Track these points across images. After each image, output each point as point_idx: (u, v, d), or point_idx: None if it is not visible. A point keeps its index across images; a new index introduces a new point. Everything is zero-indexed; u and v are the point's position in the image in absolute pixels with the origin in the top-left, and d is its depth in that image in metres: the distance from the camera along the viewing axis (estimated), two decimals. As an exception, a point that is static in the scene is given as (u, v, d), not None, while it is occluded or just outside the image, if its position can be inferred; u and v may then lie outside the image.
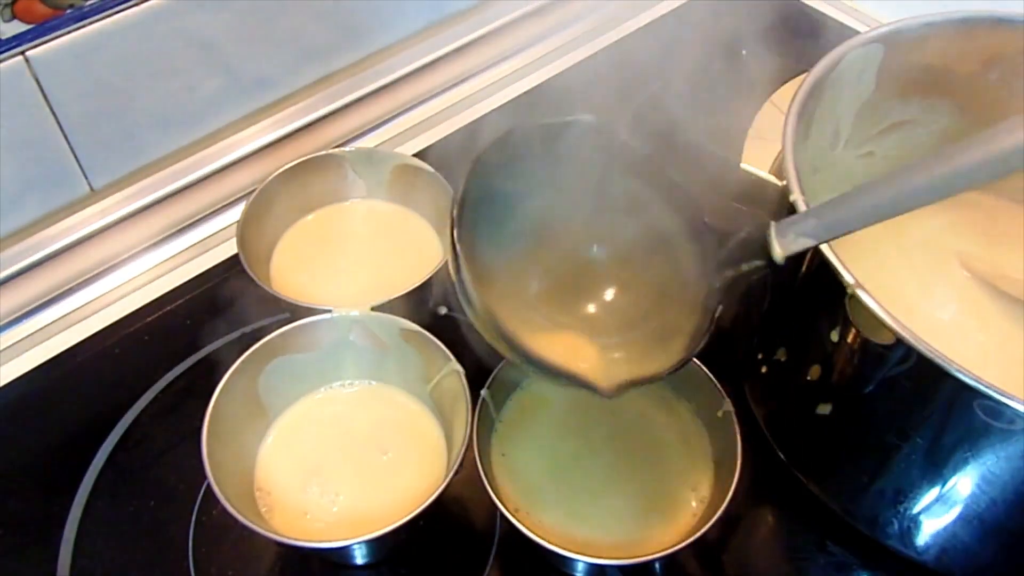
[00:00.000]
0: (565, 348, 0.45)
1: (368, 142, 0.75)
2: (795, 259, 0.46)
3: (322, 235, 0.61)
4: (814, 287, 0.45)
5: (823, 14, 0.86)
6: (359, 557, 0.51)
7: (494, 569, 0.51)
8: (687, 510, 0.47)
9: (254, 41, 0.66)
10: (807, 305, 0.47)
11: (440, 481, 0.45)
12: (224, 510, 0.43)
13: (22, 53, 0.56)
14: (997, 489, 0.42)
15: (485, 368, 0.49)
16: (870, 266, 0.40)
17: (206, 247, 0.67)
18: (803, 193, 0.43)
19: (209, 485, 0.45)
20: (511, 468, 0.49)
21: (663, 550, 0.43)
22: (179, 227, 0.68)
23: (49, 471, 0.55)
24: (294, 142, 0.72)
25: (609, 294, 0.48)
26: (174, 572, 0.51)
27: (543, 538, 0.44)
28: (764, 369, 0.53)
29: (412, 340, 0.52)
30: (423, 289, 0.53)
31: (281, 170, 0.60)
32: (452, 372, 0.50)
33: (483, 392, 0.48)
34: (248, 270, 0.54)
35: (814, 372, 0.47)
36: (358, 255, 0.60)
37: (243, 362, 0.50)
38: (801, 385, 0.49)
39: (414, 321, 0.51)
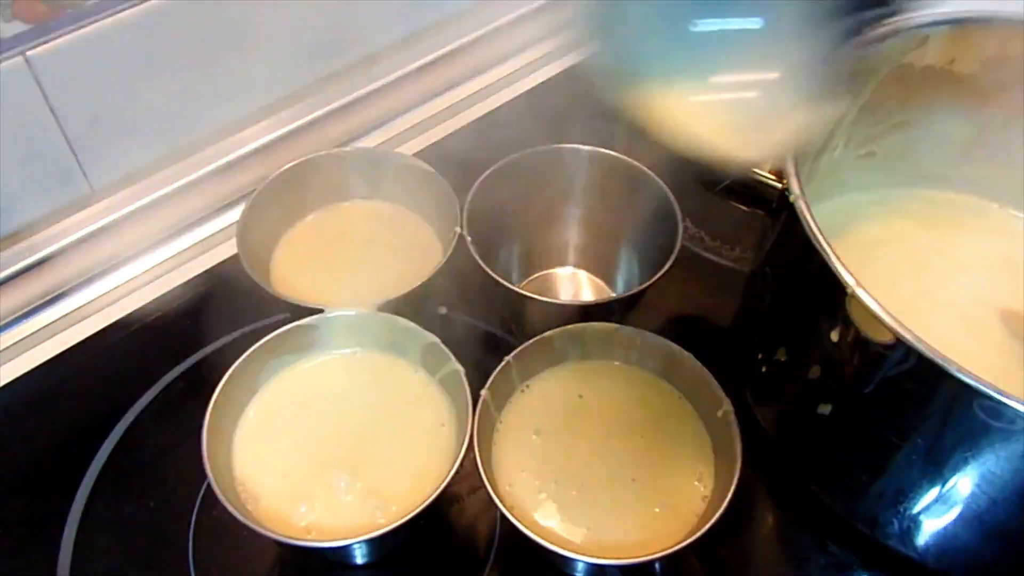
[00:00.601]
0: None
1: (368, 142, 0.75)
2: (795, 259, 0.46)
3: (322, 235, 0.61)
4: (814, 287, 0.45)
5: (823, 14, 0.86)
6: (359, 557, 0.51)
7: (494, 569, 0.51)
8: (687, 510, 0.47)
9: (254, 41, 0.66)
10: (807, 305, 0.47)
11: (440, 481, 0.45)
12: (224, 510, 0.43)
13: (22, 53, 0.56)
14: (997, 489, 0.42)
15: (485, 368, 0.49)
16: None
17: (206, 247, 0.67)
18: (803, 193, 0.44)
19: (209, 485, 0.45)
20: (511, 468, 0.49)
21: (663, 550, 0.43)
22: (179, 227, 0.68)
23: (49, 471, 0.55)
24: (294, 142, 0.72)
25: None
26: (174, 572, 0.51)
27: (543, 538, 0.44)
28: (764, 369, 0.53)
29: (412, 340, 0.52)
30: (423, 289, 0.53)
31: (281, 170, 0.60)
32: (452, 372, 0.50)
33: (483, 392, 0.48)
34: (248, 270, 0.54)
35: (814, 372, 0.47)
36: (358, 255, 0.60)
37: (243, 362, 0.50)
38: (801, 385, 0.49)
39: (414, 321, 0.51)
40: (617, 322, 0.55)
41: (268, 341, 0.51)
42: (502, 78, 0.80)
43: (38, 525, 0.53)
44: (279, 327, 0.51)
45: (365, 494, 0.48)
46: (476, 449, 0.46)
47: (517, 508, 0.47)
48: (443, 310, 0.61)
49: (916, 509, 0.46)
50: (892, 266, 0.55)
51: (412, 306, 0.53)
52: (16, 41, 0.55)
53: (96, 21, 0.57)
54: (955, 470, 0.43)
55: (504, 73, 0.80)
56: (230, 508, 0.43)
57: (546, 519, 0.47)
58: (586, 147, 0.61)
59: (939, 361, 0.37)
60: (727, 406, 0.48)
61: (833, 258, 0.41)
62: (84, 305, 0.64)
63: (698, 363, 0.50)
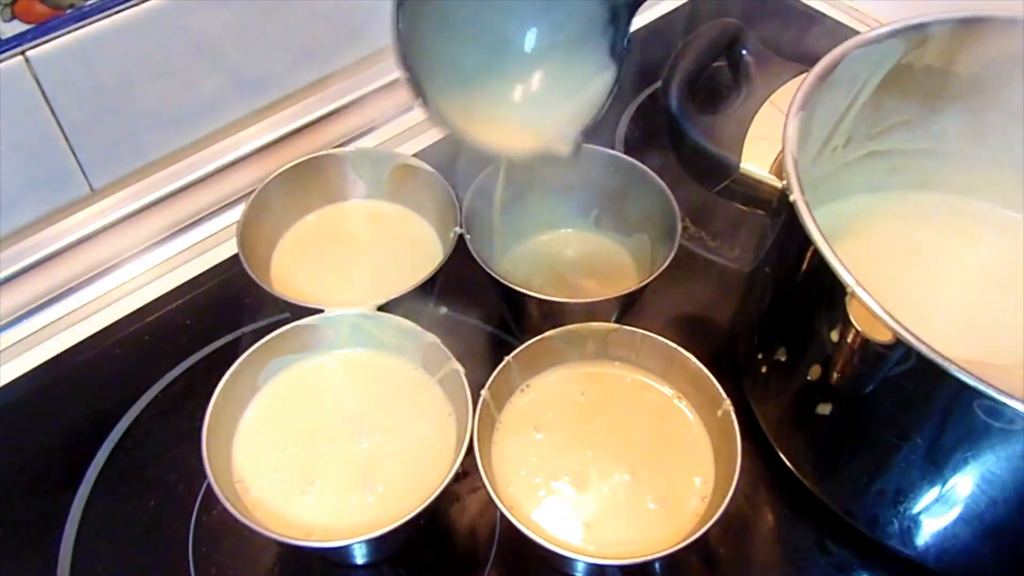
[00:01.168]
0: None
1: (368, 142, 0.75)
2: (795, 259, 0.46)
3: (323, 236, 0.61)
4: (814, 287, 0.45)
5: (823, 14, 0.86)
6: (359, 557, 0.51)
7: (494, 569, 0.51)
8: (687, 510, 0.47)
9: (254, 41, 0.66)
10: (807, 305, 0.47)
11: (440, 481, 0.45)
12: (224, 510, 0.43)
13: (22, 53, 0.56)
14: (997, 489, 0.42)
15: (485, 368, 0.49)
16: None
17: (206, 247, 0.67)
18: (803, 193, 0.44)
19: (209, 485, 0.45)
20: (511, 468, 0.49)
21: (663, 550, 0.43)
22: (179, 227, 0.68)
23: (49, 471, 0.55)
24: (294, 142, 0.72)
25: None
26: (174, 572, 0.51)
27: (543, 538, 0.44)
28: (764, 369, 0.53)
29: (412, 340, 0.52)
30: (423, 289, 0.53)
31: (281, 170, 0.60)
32: (452, 372, 0.50)
33: (483, 392, 0.48)
34: (248, 270, 0.54)
35: (814, 372, 0.47)
36: (358, 255, 0.60)
37: (243, 362, 0.50)
38: (801, 385, 0.49)
39: (414, 321, 0.51)
40: (617, 322, 0.55)
41: (268, 341, 0.51)
42: (502, 78, 0.80)
43: (38, 525, 0.53)
44: (279, 327, 0.51)
45: (365, 494, 0.48)
46: (476, 449, 0.46)
47: (517, 508, 0.47)
48: (443, 310, 0.61)
49: (916, 509, 0.46)
50: (892, 268, 0.55)
51: (412, 306, 0.53)
52: (16, 41, 0.55)
53: (96, 21, 0.58)
54: (955, 470, 0.43)
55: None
56: (230, 508, 0.43)
57: (546, 519, 0.47)
58: (586, 146, 0.61)
59: (939, 361, 0.37)
60: (727, 406, 0.48)
61: (833, 258, 0.41)
62: (84, 305, 0.64)
63: (698, 363, 0.50)
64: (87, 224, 0.64)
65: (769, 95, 0.53)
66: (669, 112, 0.52)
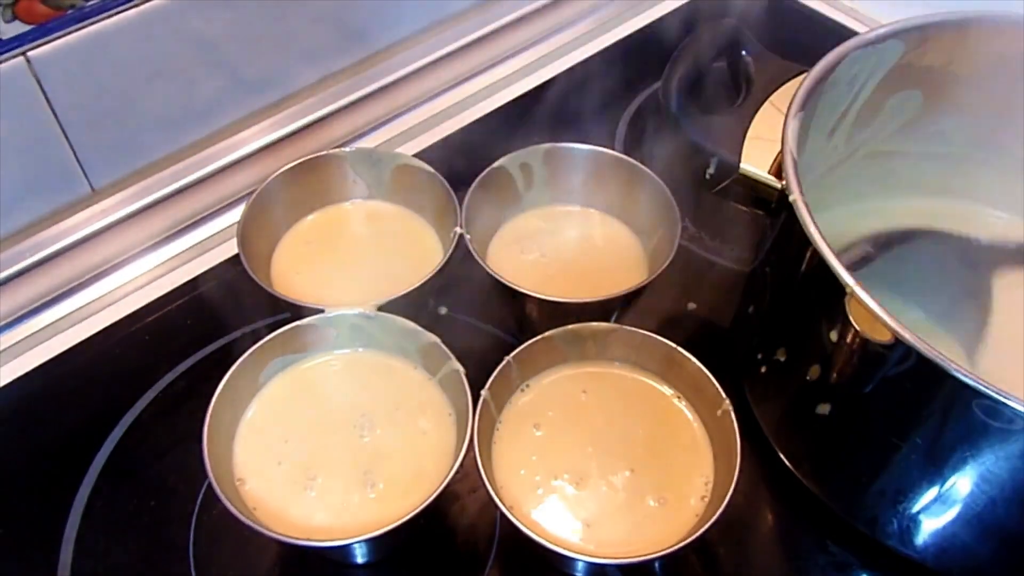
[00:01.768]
0: None
1: (368, 142, 0.75)
2: (795, 259, 0.46)
3: (323, 236, 0.61)
4: (814, 287, 0.45)
5: (823, 14, 0.86)
6: (359, 556, 0.51)
7: (494, 569, 0.51)
8: (687, 509, 0.47)
9: (255, 41, 0.66)
10: (807, 305, 0.47)
11: (440, 481, 0.45)
12: (224, 510, 0.44)
13: (23, 53, 0.56)
14: (996, 488, 0.42)
15: (485, 368, 0.49)
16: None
17: (206, 247, 0.67)
18: (803, 193, 0.44)
19: (209, 485, 0.45)
20: (511, 468, 0.49)
21: (663, 549, 0.43)
22: (180, 227, 0.68)
23: (49, 471, 0.55)
24: (294, 142, 0.72)
25: None
26: (174, 572, 0.51)
27: (543, 537, 0.44)
28: (764, 369, 0.53)
29: (412, 340, 0.52)
30: (423, 289, 0.53)
31: (281, 170, 0.60)
32: (452, 372, 0.50)
33: (483, 392, 0.48)
34: (248, 270, 0.54)
35: (814, 372, 0.47)
36: (358, 255, 0.60)
37: (243, 362, 0.50)
38: (801, 385, 0.49)
39: (414, 321, 0.51)
40: (617, 321, 0.55)
41: (268, 341, 0.51)
42: (502, 78, 0.80)
43: (38, 525, 0.53)
44: (279, 327, 0.51)
45: (365, 494, 0.48)
46: (476, 449, 0.46)
47: (517, 507, 0.47)
48: (443, 310, 0.61)
49: (915, 509, 0.46)
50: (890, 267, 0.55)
51: (412, 306, 0.53)
52: (17, 41, 0.55)
53: (97, 21, 0.58)
54: (954, 470, 0.43)
55: (503, 73, 0.80)
56: (230, 508, 0.43)
57: (546, 518, 0.47)
58: (586, 146, 0.61)
59: (939, 361, 0.37)
60: (726, 405, 0.48)
61: (832, 258, 0.41)
62: (85, 305, 0.64)
63: (697, 363, 0.50)
64: (88, 224, 0.64)
65: (769, 95, 0.53)
66: (669, 112, 0.52)
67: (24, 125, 0.58)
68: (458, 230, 0.56)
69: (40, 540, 0.52)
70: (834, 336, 0.44)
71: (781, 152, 0.46)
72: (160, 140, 0.66)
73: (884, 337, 0.40)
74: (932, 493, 0.45)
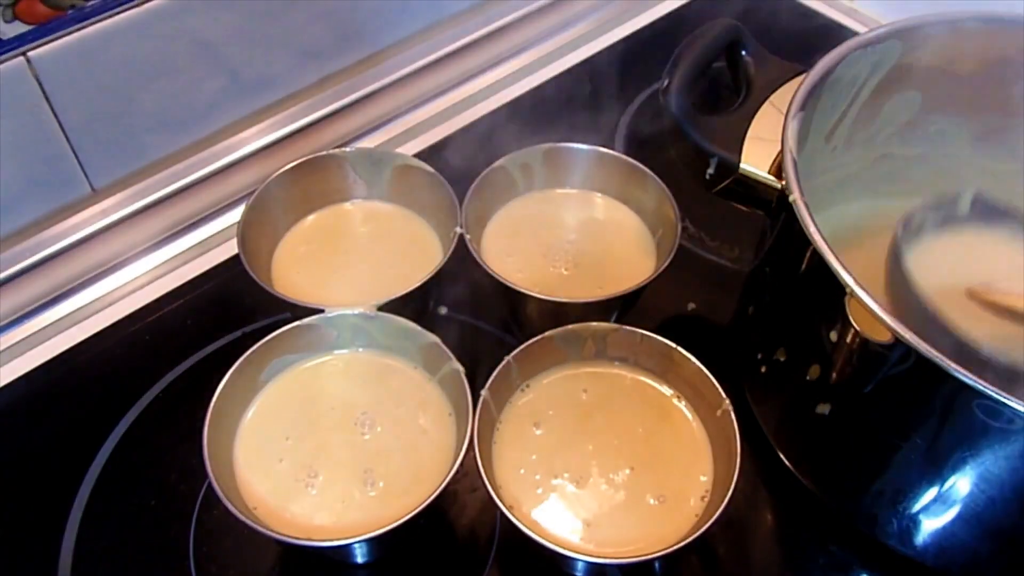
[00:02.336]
0: None
1: (368, 142, 0.75)
2: (795, 259, 0.46)
3: (323, 236, 0.61)
4: (813, 287, 0.45)
5: (823, 14, 0.86)
6: (359, 556, 0.51)
7: (494, 569, 0.51)
8: (687, 509, 0.48)
9: (255, 42, 0.66)
10: (806, 305, 0.47)
11: (440, 481, 0.45)
12: (225, 510, 0.44)
13: (23, 54, 0.56)
14: (996, 488, 0.42)
15: (485, 368, 0.49)
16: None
17: (206, 247, 0.67)
18: (803, 194, 0.44)
19: (210, 485, 0.45)
20: (511, 467, 0.49)
21: (662, 549, 0.43)
22: (180, 227, 0.68)
23: (49, 471, 0.55)
24: (295, 142, 0.72)
25: None
26: (174, 572, 0.51)
27: (543, 537, 0.44)
28: (764, 369, 0.53)
29: (412, 340, 0.52)
30: (423, 289, 0.53)
31: (282, 171, 0.60)
32: (452, 372, 0.50)
33: (483, 392, 0.48)
34: (248, 270, 0.54)
35: (813, 372, 0.47)
36: (358, 255, 0.60)
37: (243, 362, 0.50)
38: (800, 385, 0.49)
39: (414, 321, 0.51)
40: (617, 321, 0.55)
41: (268, 341, 0.51)
42: (502, 78, 0.80)
43: (39, 525, 0.53)
44: (279, 327, 0.51)
45: (365, 494, 0.48)
46: (476, 448, 0.46)
47: (517, 507, 0.48)
48: (443, 310, 0.62)
49: (915, 508, 0.47)
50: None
51: (412, 306, 0.53)
52: (18, 41, 0.55)
53: (98, 22, 0.58)
54: (954, 470, 0.43)
55: (503, 73, 0.80)
56: (231, 508, 0.44)
57: (546, 518, 0.47)
58: (586, 146, 0.61)
59: (938, 361, 0.37)
60: (726, 405, 0.48)
61: (832, 258, 0.41)
62: (85, 305, 0.64)
63: (697, 363, 0.50)
64: (88, 224, 0.64)
65: (769, 95, 0.53)
66: (669, 112, 0.52)
67: (24, 125, 0.58)
68: (458, 230, 0.56)
69: (40, 540, 0.52)
70: (834, 336, 0.44)
71: (781, 152, 0.46)
72: (160, 140, 0.66)
73: (884, 337, 0.40)
74: (932, 493, 0.45)
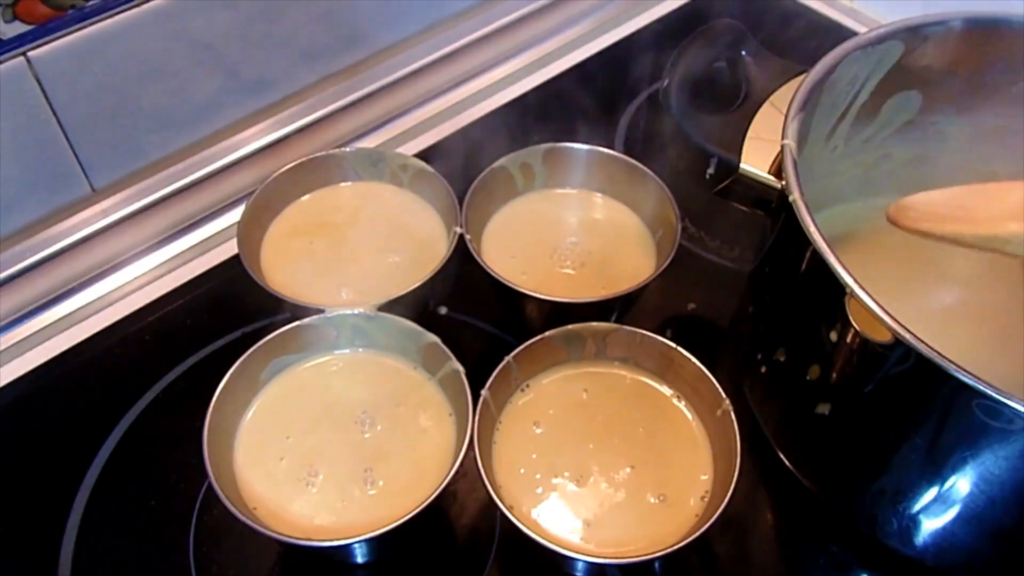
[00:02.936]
0: None
1: (368, 142, 0.75)
2: (795, 259, 0.46)
3: (318, 230, 0.61)
4: (813, 287, 0.45)
5: (823, 15, 0.86)
6: (359, 556, 0.51)
7: (494, 569, 0.51)
8: (687, 509, 0.48)
9: (255, 42, 0.66)
10: (806, 305, 0.47)
11: (440, 481, 0.45)
12: (225, 510, 0.44)
13: (23, 54, 0.56)
14: (996, 488, 0.42)
15: (485, 368, 0.49)
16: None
17: (206, 247, 0.67)
18: (802, 194, 0.44)
19: (210, 485, 0.45)
20: (511, 468, 0.49)
21: (662, 549, 0.43)
22: (180, 227, 0.68)
23: (49, 471, 0.55)
24: (295, 143, 0.72)
25: None
26: (174, 572, 0.51)
27: (543, 537, 0.44)
28: (763, 369, 0.53)
29: (412, 340, 0.52)
30: (423, 289, 0.53)
31: (282, 171, 0.60)
32: (452, 372, 0.50)
33: (483, 392, 0.48)
34: (248, 270, 0.54)
35: (813, 372, 0.47)
36: (358, 255, 0.60)
37: (243, 362, 0.50)
38: (800, 385, 0.49)
39: (414, 321, 0.51)
40: (617, 321, 0.55)
41: (268, 341, 0.51)
42: (502, 78, 0.80)
43: (39, 525, 0.53)
44: (279, 327, 0.51)
45: (365, 494, 0.48)
46: (476, 448, 0.46)
47: (517, 507, 0.48)
48: (443, 310, 0.62)
49: (915, 509, 0.47)
50: (891, 271, 0.55)
51: (412, 306, 0.53)
52: (18, 42, 0.55)
53: (98, 22, 0.58)
54: (954, 470, 0.43)
55: (503, 73, 0.80)
56: (231, 508, 0.44)
57: (546, 518, 0.47)
58: (586, 146, 0.61)
59: (938, 361, 0.37)
60: (726, 405, 0.48)
61: (832, 258, 0.41)
62: (85, 305, 0.64)
63: (697, 363, 0.50)
64: (88, 224, 0.64)
65: (769, 95, 0.53)
66: (669, 112, 0.52)
67: (24, 125, 0.58)
68: (458, 230, 0.56)
69: (40, 540, 0.52)
70: (834, 336, 0.44)
71: (781, 152, 0.46)
72: (160, 140, 0.66)
73: (884, 337, 0.40)
74: (932, 493, 0.45)
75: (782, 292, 0.51)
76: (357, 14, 0.71)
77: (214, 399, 0.48)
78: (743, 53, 0.56)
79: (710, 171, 0.51)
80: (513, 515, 0.45)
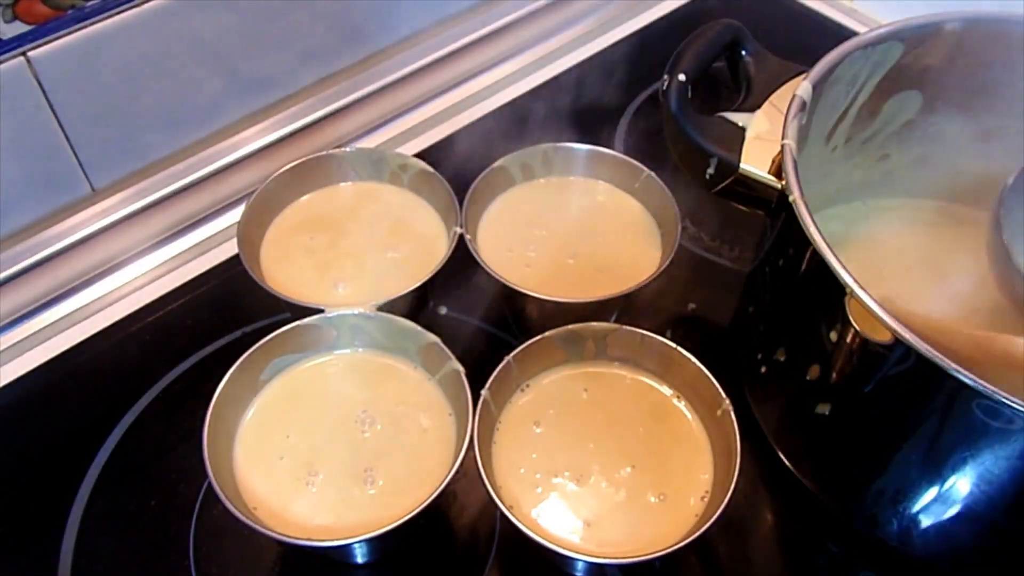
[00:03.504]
0: None
1: (368, 142, 0.75)
2: (794, 259, 0.46)
3: (322, 235, 0.61)
4: (813, 287, 0.45)
5: (823, 15, 0.86)
6: (359, 556, 0.51)
7: (494, 569, 0.51)
8: (687, 509, 0.48)
9: (255, 42, 0.66)
10: (806, 305, 0.47)
11: (440, 481, 0.45)
12: (225, 510, 0.44)
13: (23, 54, 0.56)
14: (996, 488, 0.42)
15: (485, 368, 0.49)
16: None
17: (206, 247, 0.67)
18: (802, 194, 0.44)
19: (210, 485, 0.45)
20: (511, 468, 0.49)
21: (663, 549, 0.43)
22: (180, 227, 0.68)
23: (49, 471, 0.55)
24: (295, 142, 0.72)
25: None
26: (174, 572, 0.51)
27: (543, 537, 0.44)
28: (764, 369, 0.53)
29: (412, 340, 0.52)
30: (423, 289, 0.54)
31: (282, 170, 0.60)
32: (452, 372, 0.50)
33: (483, 392, 0.48)
34: (248, 270, 0.54)
35: (813, 372, 0.47)
36: (359, 255, 0.60)
37: (243, 362, 0.50)
38: (800, 385, 0.49)
39: (414, 321, 0.51)
40: (617, 321, 0.55)
41: (268, 341, 0.51)
42: (502, 78, 0.80)
43: (39, 525, 0.53)
44: (279, 327, 0.51)
45: (365, 494, 0.48)
46: (476, 448, 0.46)
47: (517, 507, 0.48)
48: (443, 310, 0.62)
49: (915, 508, 0.47)
50: (891, 272, 0.55)
51: (412, 306, 0.53)
52: (18, 41, 0.55)
53: (98, 22, 0.58)
54: (954, 470, 0.43)
55: (503, 73, 0.80)
56: (231, 508, 0.44)
57: (546, 518, 0.47)
58: (586, 146, 0.61)
59: (938, 361, 0.37)
60: (726, 405, 0.48)
61: (832, 258, 0.41)
62: (85, 305, 0.64)
63: (697, 363, 0.50)
64: (88, 224, 0.64)
65: (769, 95, 0.53)
66: (669, 112, 0.52)
67: (24, 125, 0.58)
68: (458, 230, 0.56)
69: (40, 540, 0.52)
70: (834, 336, 0.44)
71: (781, 152, 0.46)
72: (160, 140, 0.66)
73: (884, 337, 0.40)
74: (932, 493, 0.45)
75: (782, 292, 0.51)
76: (357, 14, 0.71)
77: (214, 399, 0.48)
78: (743, 53, 0.56)
79: (710, 171, 0.51)
80: (513, 515, 0.45)
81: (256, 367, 0.51)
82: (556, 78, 0.80)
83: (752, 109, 0.52)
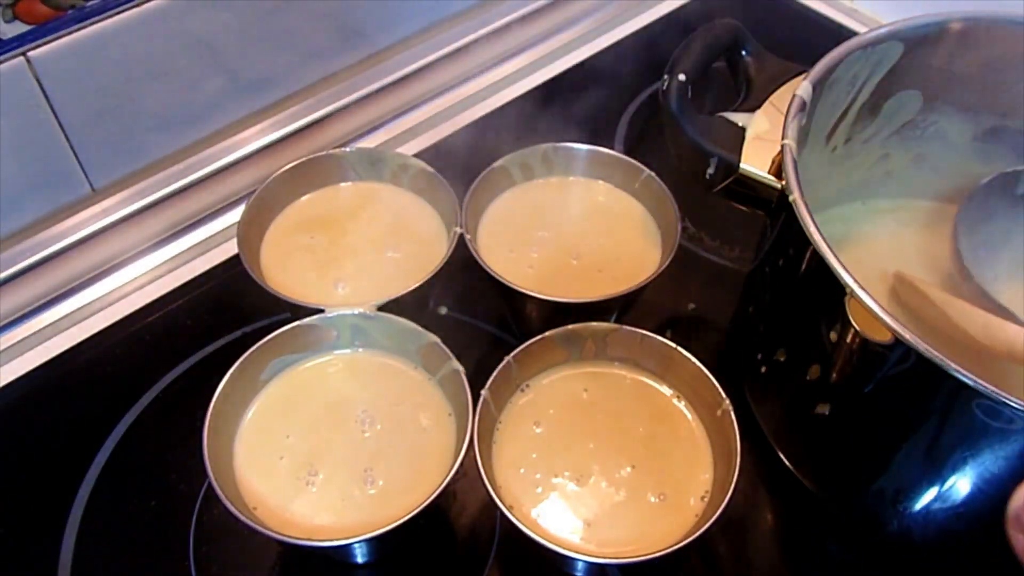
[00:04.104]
0: None
1: (368, 142, 0.75)
2: (795, 259, 0.46)
3: (322, 235, 0.61)
4: (813, 287, 0.46)
5: (823, 15, 0.86)
6: (359, 556, 0.51)
7: (494, 569, 0.51)
8: (687, 509, 0.48)
9: (255, 42, 0.66)
10: (806, 305, 0.47)
11: (440, 481, 0.45)
12: (225, 510, 0.44)
13: (23, 54, 0.56)
14: (996, 488, 0.42)
15: (485, 368, 0.49)
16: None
17: (207, 247, 0.67)
18: (802, 194, 0.44)
19: (210, 485, 0.45)
20: (511, 468, 0.49)
21: (663, 549, 0.43)
22: (180, 227, 0.68)
23: (49, 471, 0.55)
24: (295, 142, 0.72)
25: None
26: (174, 572, 0.51)
27: (543, 537, 0.44)
28: (763, 369, 0.53)
29: (412, 340, 0.52)
30: (423, 289, 0.53)
31: (282, 170, 0.60)
32: (452, 372, 0.50)
33: (483, 392, 0.48)
34: (248, 270, 0.54)
35: (813, 372, 0.47)
36: (359, 255, 0.60)
37: (243, 362, 0.50)
38: (800, 385, 0.49)
39: (414, 321, 0.51)
40: (617, 321, 0.55)
41: (268, 341, 0.51)
42: (502, 78, 0.80)
43: (39, 525, 0.53)
44: (279, 327, 0.51)
45: (365, 493, 0.48)
46: (476, 448, 0.46)
47: (517, 507, 0.48)
48: (443, 310, 0.62)
49: (915, 508, 0.47)
50: (891, 270, 0.55)
51: (412, 306, 0.53)
52: (17, 41, 0.55)
53: (97, 22, 0.58)
54: (954, 469, 0.43)
55: (503, 73, 0.80)
56: (231, 508, 0.44)
57: (546, 517, 0.47)
58: (586, 146, 0.61)
59: (938, 361, 0.37)
60: (726, 405, 0.48)
61: (832, 258, 0.41)
62: (85, 305, 0.64)
63: (697, 363, 0.50)
64: (88, 224, 0.64)
65: (769, 95, 0.53)
66: (669, 112, 0.52)
67: (24, 125, 0.58)
68: (458, 230, 0.56)
69: (40, 540, 0.52)
70: (834, 336, 0.44)
71: (781, 152, 0.46)
72: (160, 140, 0.66)
73: (884, 337, 0.40)
74: (932, 493, 0.45)
75: (782, 292, 0.51)
76: (357, 14, 0.71)
77: (214, 399, 0.48)
78: (743, 53, 0.56)
79: (710, 171, 0.51)
80: (513, 515, 0.45)
81: (256, 367, 0.51)
82: (556, 78, 0.80)
83: (752, 109, 0.52)
